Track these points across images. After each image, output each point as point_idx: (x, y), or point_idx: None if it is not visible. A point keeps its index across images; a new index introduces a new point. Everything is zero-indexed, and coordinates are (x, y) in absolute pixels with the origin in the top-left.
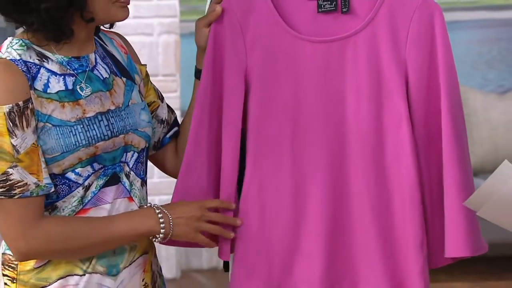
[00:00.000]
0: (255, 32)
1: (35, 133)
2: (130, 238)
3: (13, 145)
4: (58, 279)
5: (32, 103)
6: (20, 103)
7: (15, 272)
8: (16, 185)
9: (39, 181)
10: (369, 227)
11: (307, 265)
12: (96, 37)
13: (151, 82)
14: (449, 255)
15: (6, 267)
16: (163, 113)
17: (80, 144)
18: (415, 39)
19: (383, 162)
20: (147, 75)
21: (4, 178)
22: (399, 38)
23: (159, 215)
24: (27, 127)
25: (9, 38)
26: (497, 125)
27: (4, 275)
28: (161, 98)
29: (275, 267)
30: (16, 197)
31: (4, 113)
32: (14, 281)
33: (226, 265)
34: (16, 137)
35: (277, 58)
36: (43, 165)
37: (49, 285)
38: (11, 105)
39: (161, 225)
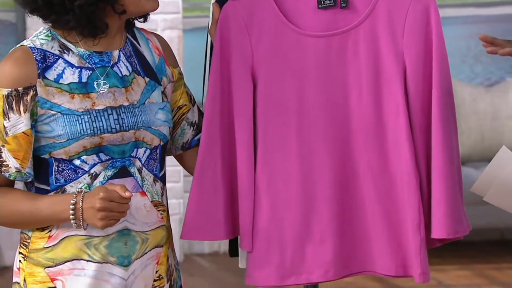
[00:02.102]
0: (260, 30)
1: (32, 121)
2: (54, 221)
3: (4, 126)
4: (65, 262)
5: (34, 91)
6: (20, 89)
7: (27, 250)
8: (1, 164)
9: (22, 167)
10: (375, 210)
11: (319, 250)
12: (130, 36)
13: (186, 86)
14: (433, 236)
15: (21, 244)
16: (193, 116)
17: (85, 133)
18: (411, 31)
19: (385, 148)
20: (180, 78)
21: None
22: (396, 31)
23: (71, 206)
24: (24, 112)
25: (41, 28)
26: (484, 116)
27: (19, 252)
28: (193, 102)
29: (288, 254)
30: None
31: (3, 95)
32: (26, 258)
33: (231, 250)
34: (9, 120)
35: (281, 54)
36: (31, 155)
37: (55, 265)
38: (10, 89)
39: (71, 215)
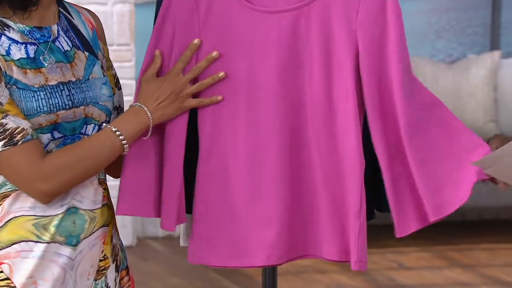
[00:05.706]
0: (209, 4)
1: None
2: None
3: None
4: (12, 244)
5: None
6: None
7: None
8: (15, 132)
9: (30, 126)
10: (322, 194)
11: (263, 233)
12: (62, 10)
13: (113, 68)
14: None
15: None
16: (118, 101)
17: (41, 110)
18: (366, 12)
19: (334, 132)
20: (109, 59)
21: (1, 129)
22: (350, 10)
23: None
24: (1, 82)
25: None
26: (446, 93)
27: None
28: (119, 87)
29: (233, 236)
30: (20, 143)
31: None
32: None
33: None
34: None
35: (232, 30)
36: None
37: (1, 249)
38: None
39: (149, 115)
